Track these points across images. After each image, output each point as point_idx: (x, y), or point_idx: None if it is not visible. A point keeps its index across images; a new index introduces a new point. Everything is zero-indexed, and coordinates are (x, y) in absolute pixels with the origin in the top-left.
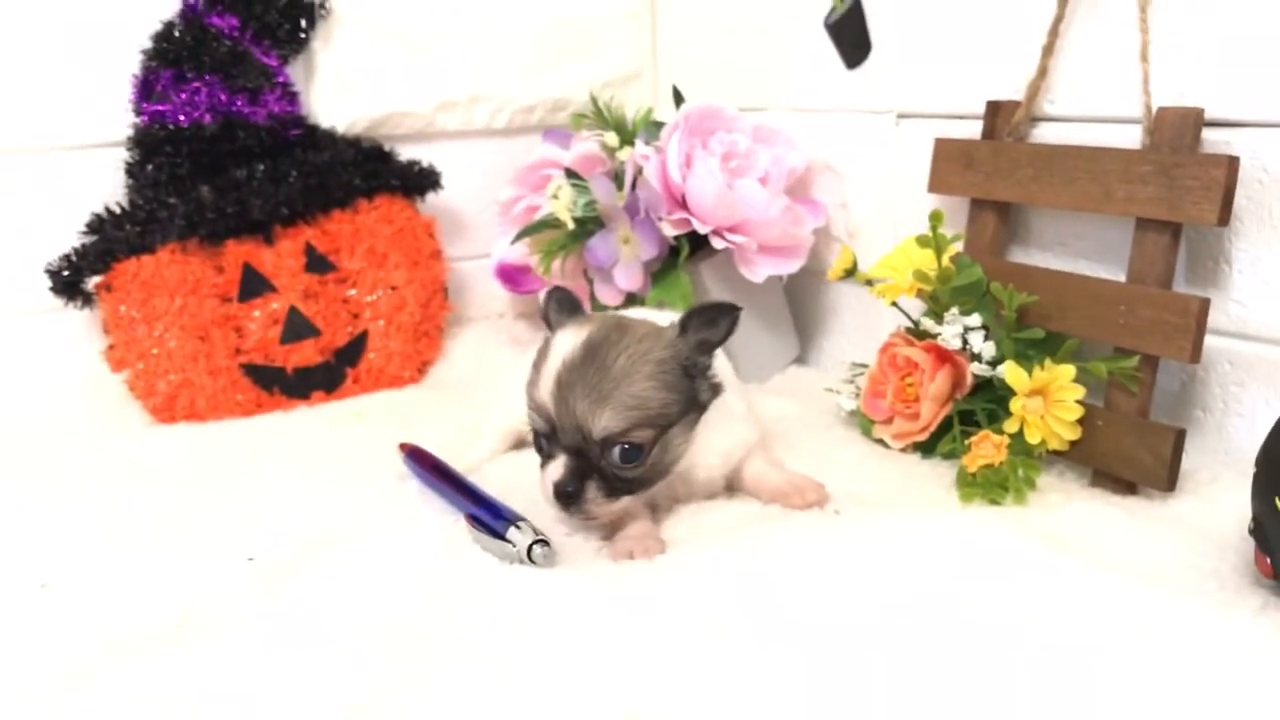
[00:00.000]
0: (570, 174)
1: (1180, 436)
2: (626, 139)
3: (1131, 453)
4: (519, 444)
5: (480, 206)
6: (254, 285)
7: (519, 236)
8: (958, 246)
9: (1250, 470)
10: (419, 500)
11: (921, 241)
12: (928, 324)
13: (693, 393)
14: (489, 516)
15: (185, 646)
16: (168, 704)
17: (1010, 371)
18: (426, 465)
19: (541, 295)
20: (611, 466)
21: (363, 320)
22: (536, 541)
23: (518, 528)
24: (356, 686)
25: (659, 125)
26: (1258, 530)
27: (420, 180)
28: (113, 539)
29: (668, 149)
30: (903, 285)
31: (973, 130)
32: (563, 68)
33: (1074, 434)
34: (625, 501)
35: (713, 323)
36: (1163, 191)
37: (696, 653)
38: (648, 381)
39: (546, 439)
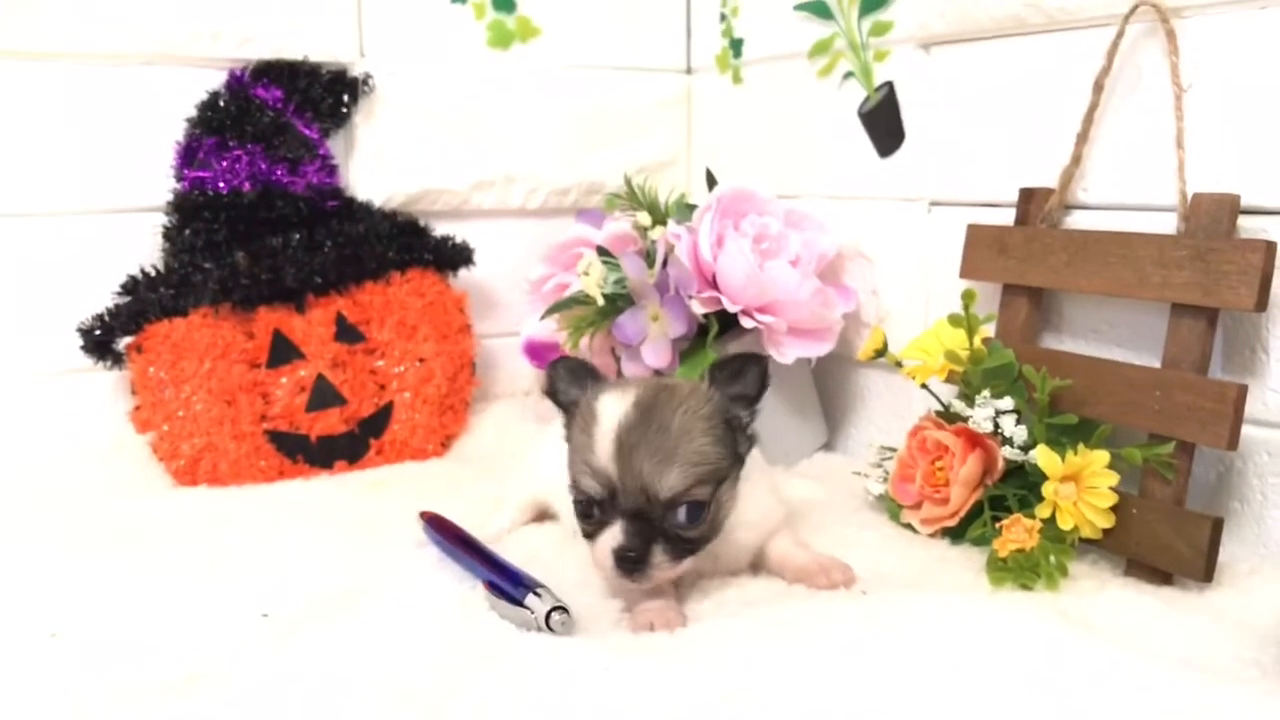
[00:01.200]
0: (602, 252)
1: (1218, 526)
2: (659, 219)
3: (1168, 542)
4: (540, 516)
5: (511, 285)
6: (283, 352)
7: (548, 313)
8: (989, 328)
9: None
10: (436, 566)
11: (954, 322)
12: (959, 407)
13: (735, 446)
14: (507, 583)
15: (192, 699)
16: None
17: (1042, 455)
18: (446, 533)
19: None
20: (675, 527)
21: (389, 391)
22: (555, 609)
23: (537, 594)
24: None
25: (691, 207)
26: None
27: (453, 255)
28: (126, 592)
29: (700, 229)
30: (933, 366)
31: (1005, 217)
32: (599, 152)
33: (1107, 521)
34: (688, 563)
35: (740, 374)
36: (1199, 276)
37: None
38: (703, 437)
39: (600, 506)
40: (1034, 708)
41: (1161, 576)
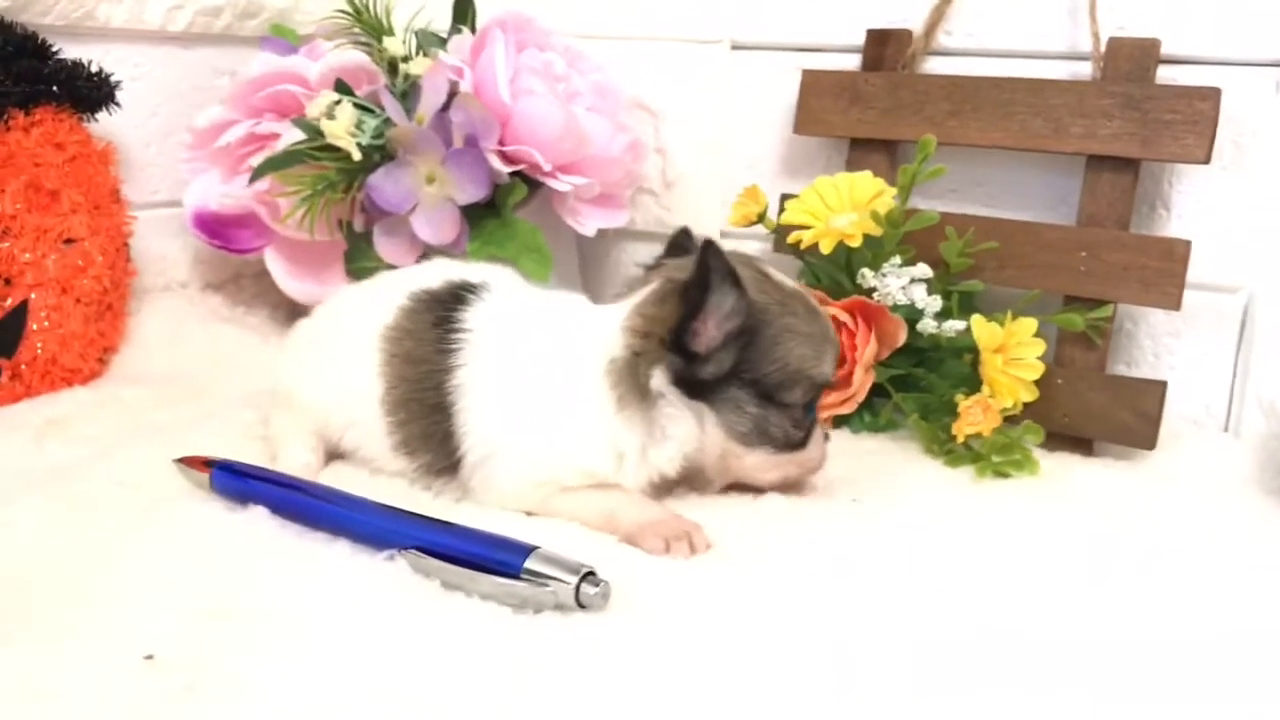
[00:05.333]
0: (343, 89)
1: (1164, 392)
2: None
3: (1104, 411)
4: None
5: (147, 136)
6: None
7: (261, 172)
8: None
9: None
10: (286, 537)
11: (843, 182)
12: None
13: None
14: (469, 544)
15: None
16: None
17: (978, 327)
18: (269, 482)
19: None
20: None
21: (20, 286)
22: (586, 576)
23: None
24: None
25: (439, 38)
26: None
27: (90, 90)
28: None
29: (492, 62)
30: (846, 231)
31: (829, 64)
32: None
33: (1032, 394)
34: None
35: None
36: (1133, 127)
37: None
38: None
39: (822, 393)
40: (1080, 589)
41: (1083, 446)
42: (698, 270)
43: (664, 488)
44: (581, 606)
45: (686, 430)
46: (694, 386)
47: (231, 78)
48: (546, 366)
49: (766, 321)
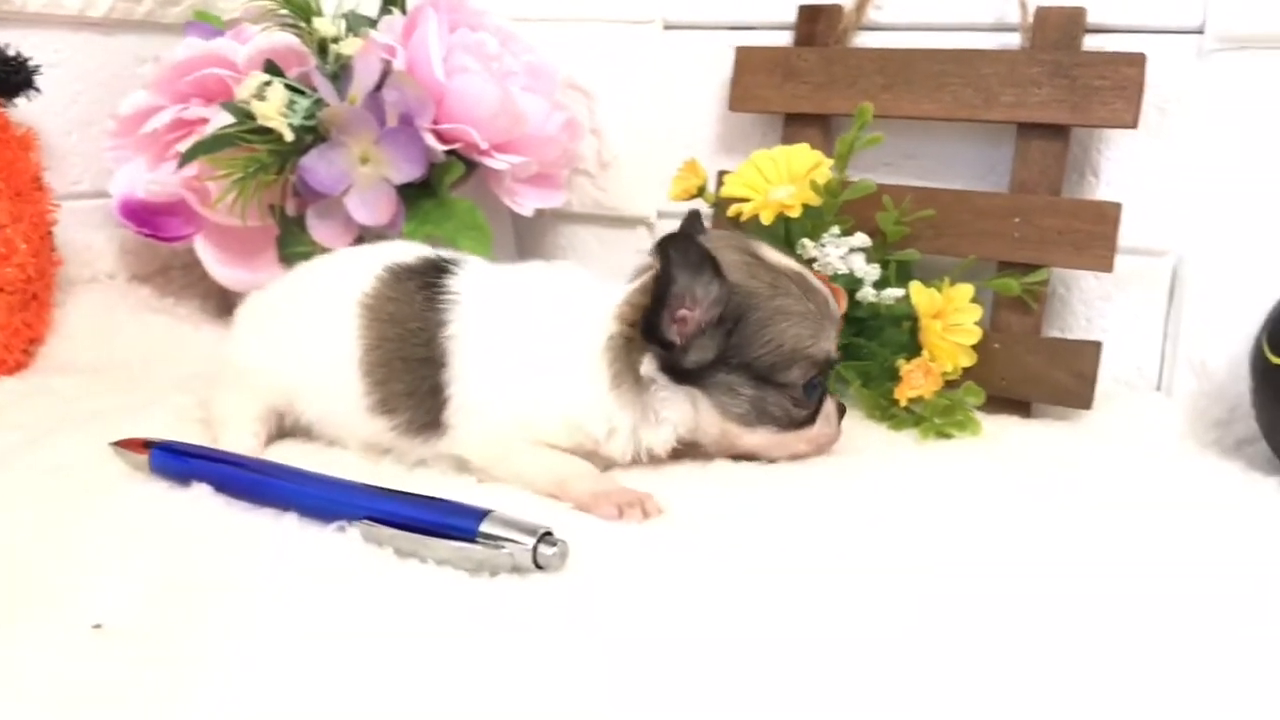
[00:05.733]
0: (273, 70)
1: (1099, 352)
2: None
3: (1040, 372)
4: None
5: (67, 125)
6: None
7: (190, 156)
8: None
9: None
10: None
11: (780, 155)
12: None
13: None
14: (422, 510)
15: None
16: None
17: (917, 293)
18: (213, 461)
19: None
20: None
21: None
22: (544, 536)
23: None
24: None
25: (369, 20)
26: None
27: (9, 74)
28: None
29: (426, 41)
30: (786, 202)
31: (761, 41)
32: None
33: (970, 359)
34: None
35: (694, 232)
36: (1062, 94)
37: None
38: None
39: (826, 371)
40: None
41: (1021, 409)
42: (660, 262)
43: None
44: (539, 567)
45: (681, 413)
46: (681, 373)
47: (155, 63)
48: (548, 330)
49: (754, 305)
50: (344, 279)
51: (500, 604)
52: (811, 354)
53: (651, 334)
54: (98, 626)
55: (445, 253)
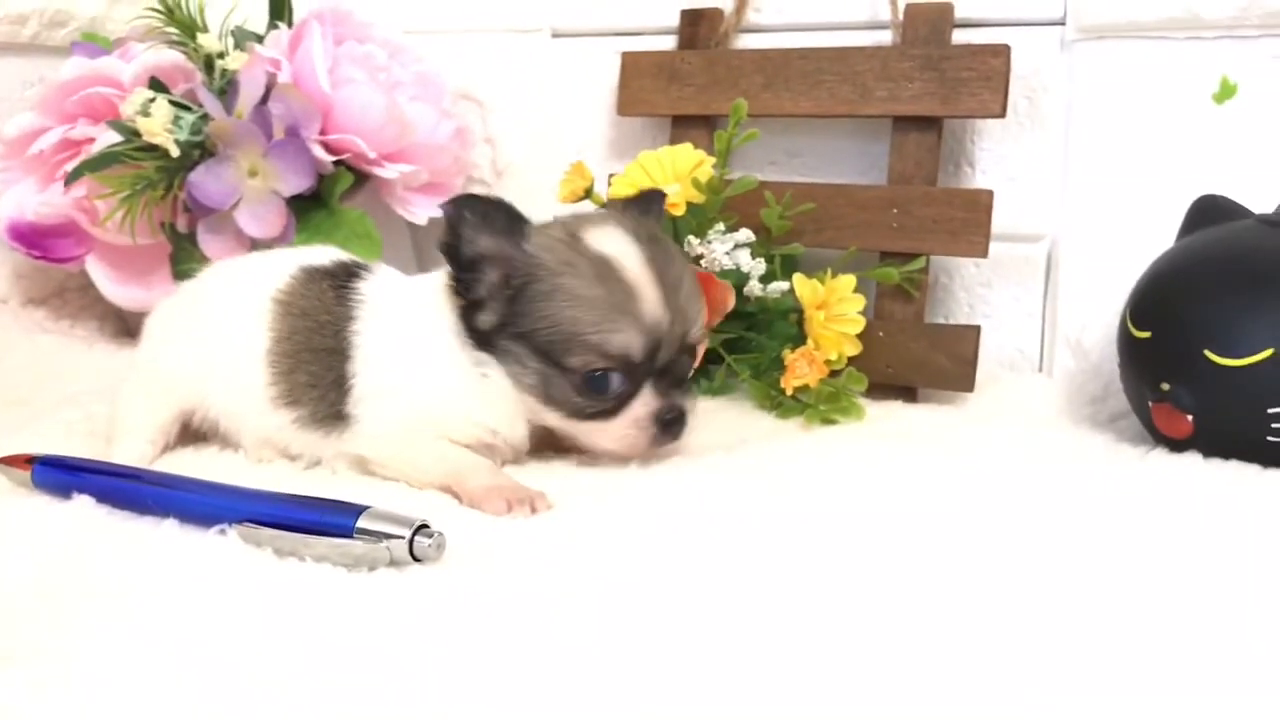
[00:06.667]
0: (157, 86)
1: (978, 336)
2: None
3: (923, 358)
4: (186, 437)
5: None
6: None
7: (76, 175)
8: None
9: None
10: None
11: (665, 155)
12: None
13: None
14: (301, 511)
15: None
16: None
17: (800, 284)
18: (93, 473)
19: (440, 209)
20: (683, 374)
21: None
22: (420, 529)
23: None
24: None
25: (255, 35)
26: (1171, 394)
27: None
28: None
29: (309, 53)
30: (671, 200)
31: (646, 46)
32: None
33: (856, 348)
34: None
35: (647, 210)
36: (933, 87)
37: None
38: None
39: (633, 370)
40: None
41: (908, 395)
42: (446, 217)
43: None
44: (416, 560)
45: (499, 385)
46: (479, 337)
47: (40, 83)
48: (438, 322)
49: (538, 277)
50: (259, 276)
51: (379, 598)
52: (592, 343)
53: (459, 291)
54: None
55: (357, 259)
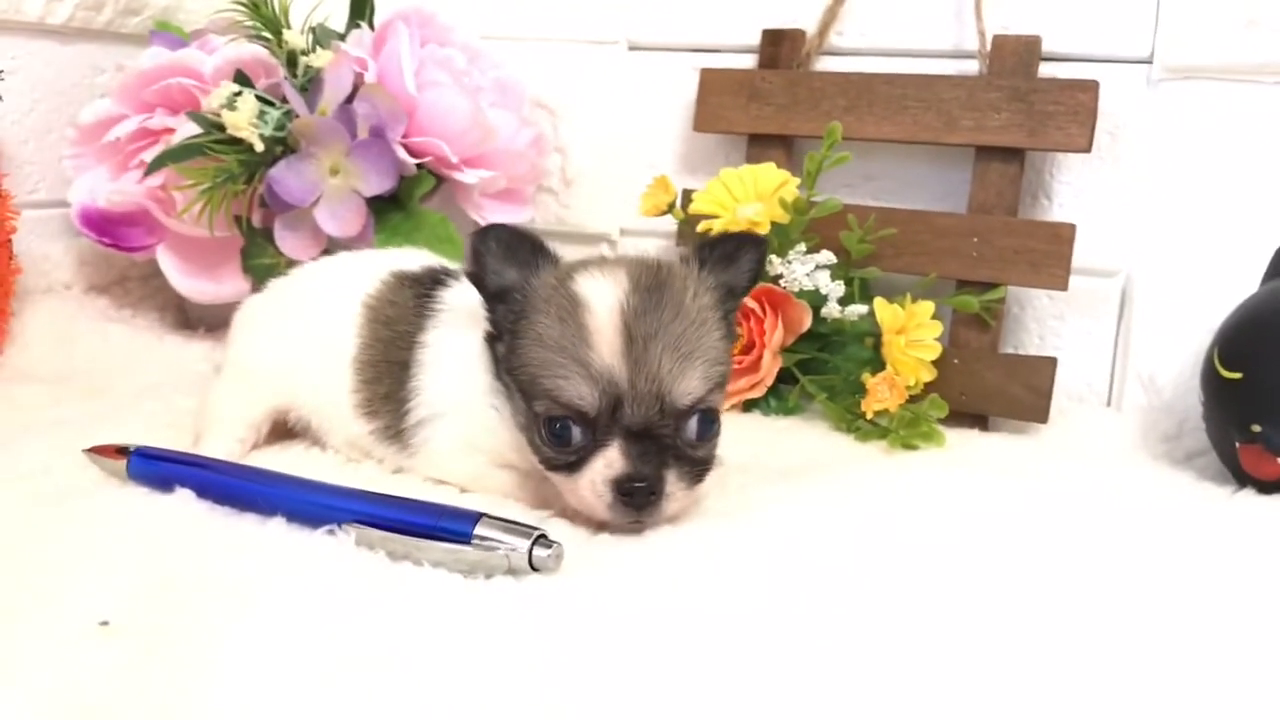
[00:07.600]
0: (243, 80)
1: (1054, 368)
2: (298, 44)
3: (999, 387)
4: (281, 433)
5: (24, 134)
6: None
7: (158, 164)
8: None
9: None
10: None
11: (748, 174)
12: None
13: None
14: (414, 515)
15: None
16: None
17: (881, 309)
18: (194, 465)
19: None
20: (685, 445)
21: None
22: (539, 538)
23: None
24: None
25: (337, 34)
26: (1263, 435)
27: None
28: None
29: (398, 54)
30: (754, 219)
31: (724, 63)
32: None
33: (931, 374)
34: (699, 491)
35: (733, 258)
36: (1020, 119)
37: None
38: (716, 330)
39: (590, 423)
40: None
41: (980, 422)
42: (470, 244)
43: None
44: (534, 569)
45: (507, 419)
46: (498, 367)
47: (118, 71)
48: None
49: (525, 314)
50: (351, 277)
51: (497, 606)
52: (546, 387)
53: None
54: (105, 624)
55: (448, 264)
